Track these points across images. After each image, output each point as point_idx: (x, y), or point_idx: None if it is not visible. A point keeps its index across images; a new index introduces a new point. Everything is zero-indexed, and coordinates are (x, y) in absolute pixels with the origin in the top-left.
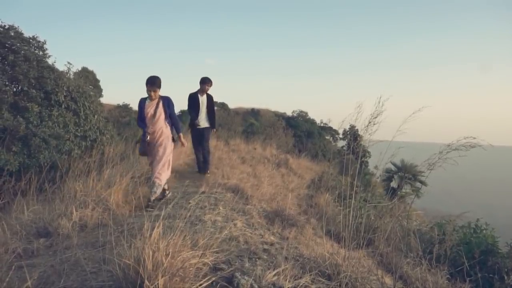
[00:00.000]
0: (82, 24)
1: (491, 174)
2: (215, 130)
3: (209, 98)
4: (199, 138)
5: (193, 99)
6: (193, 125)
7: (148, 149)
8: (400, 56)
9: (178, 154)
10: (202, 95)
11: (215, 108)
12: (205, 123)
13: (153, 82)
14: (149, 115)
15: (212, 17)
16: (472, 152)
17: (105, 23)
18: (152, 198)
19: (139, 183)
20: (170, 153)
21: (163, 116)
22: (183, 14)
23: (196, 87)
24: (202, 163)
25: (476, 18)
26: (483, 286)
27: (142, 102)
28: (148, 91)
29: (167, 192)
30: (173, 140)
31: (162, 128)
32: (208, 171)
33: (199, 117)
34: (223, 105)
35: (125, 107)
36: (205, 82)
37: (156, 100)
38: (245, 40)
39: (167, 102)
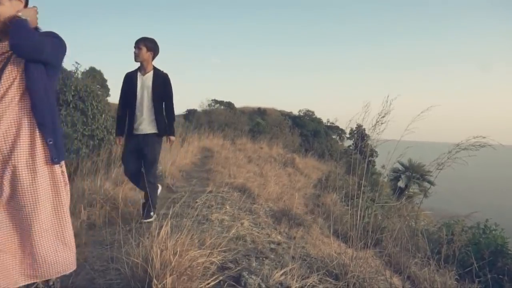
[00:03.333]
0: (88, 23)
1: (500, 174)
2: (173, 139)
3: (160, 79)
4: (136, 155)
5: (127, 82)
6: (128, 131)
7: None
8: (409, 55)
9: (185, 153)
10: (143, 74)
11: (174, 100)
12: (148, 126)
13: None
14: None
15: (217, 16)
16: (480, 151)
17: (111, 21)
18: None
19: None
20: (66, 205)
21: (19, 95)
22: (187, 13)
23: (200, 86)
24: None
25: (487, 17)
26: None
27: None
28: None
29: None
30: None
31: (19, 131)
32: (152, 213)
33: (136, 115)
34: (229, 104)
35: None
36: (136, 43)
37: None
38: (250, 38)
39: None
